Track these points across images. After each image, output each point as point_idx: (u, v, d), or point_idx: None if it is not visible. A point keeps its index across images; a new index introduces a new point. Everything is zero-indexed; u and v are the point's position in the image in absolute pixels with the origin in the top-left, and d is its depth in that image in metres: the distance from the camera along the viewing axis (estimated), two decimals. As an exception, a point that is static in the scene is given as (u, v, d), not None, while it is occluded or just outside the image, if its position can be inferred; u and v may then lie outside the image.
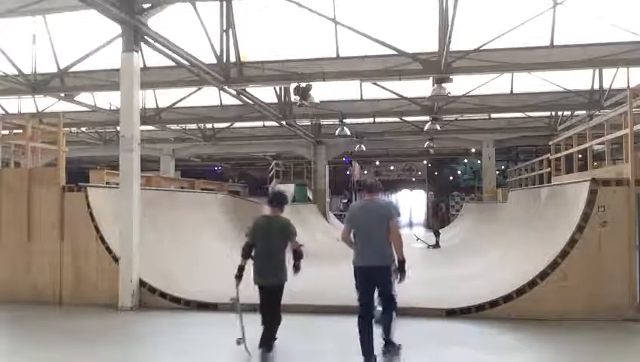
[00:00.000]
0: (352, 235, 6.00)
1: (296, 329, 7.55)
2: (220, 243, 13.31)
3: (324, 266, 13.19)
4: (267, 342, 6.12)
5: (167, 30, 9.96)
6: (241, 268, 6.19)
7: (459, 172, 35.47)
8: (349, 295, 8.81)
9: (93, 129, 22.50)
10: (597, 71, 14.66)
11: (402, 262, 5.81)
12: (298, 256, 6.28)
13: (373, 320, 5.88)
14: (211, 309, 8.51)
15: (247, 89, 13.81)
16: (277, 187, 30.00)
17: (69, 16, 11.97)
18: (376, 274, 5.82)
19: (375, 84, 14.77)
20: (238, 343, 6.11)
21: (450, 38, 9.88)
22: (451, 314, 7.92)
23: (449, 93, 12.40)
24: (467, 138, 23.11)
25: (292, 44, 12.79)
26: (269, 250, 6.19)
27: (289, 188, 29.97)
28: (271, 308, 6.18)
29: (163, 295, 8.76)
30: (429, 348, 6.71)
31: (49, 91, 14.03)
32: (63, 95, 14.56)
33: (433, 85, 12.12)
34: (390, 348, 6.08)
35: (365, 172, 37.15)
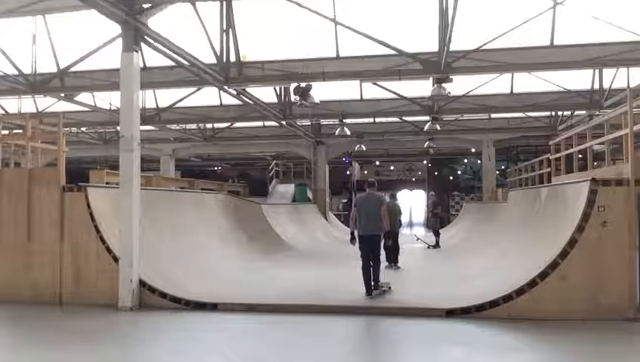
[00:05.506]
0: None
1: (296, 328, 7.56)
2: (219, 244, 13.32)
3: (324, 267, 13.20)
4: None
5: (167, 30, 9.95)
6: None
7: (459, 172, 35.45)
8: (350, 296, 8.88)
9: (93, 129, 22.48)
10: (597, 71, 14.66)
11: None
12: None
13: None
14: (211, 309, 8.50)
15: (247, 89, 13.81)
16: (276, 187, 30.07)
17: (69, 16, 11.96)
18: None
19: (375, 84, 14.77)
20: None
21: (450, 38, 9.89)
22: (451, 314, 7.91)
23: (449, 93, 12.43)
24: (467, 138, 23.11)
25: (292, 44, 12.78)
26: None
27: (289, 188, 30.08)
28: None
29: (163, 295, 8.74)
30: (429, 348, 6.72)
31: (49, 91, 14.01)
32: (63, 95, 14.56)
33: (433, 85, 12.14)
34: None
35: (365, 172, 37.12)
